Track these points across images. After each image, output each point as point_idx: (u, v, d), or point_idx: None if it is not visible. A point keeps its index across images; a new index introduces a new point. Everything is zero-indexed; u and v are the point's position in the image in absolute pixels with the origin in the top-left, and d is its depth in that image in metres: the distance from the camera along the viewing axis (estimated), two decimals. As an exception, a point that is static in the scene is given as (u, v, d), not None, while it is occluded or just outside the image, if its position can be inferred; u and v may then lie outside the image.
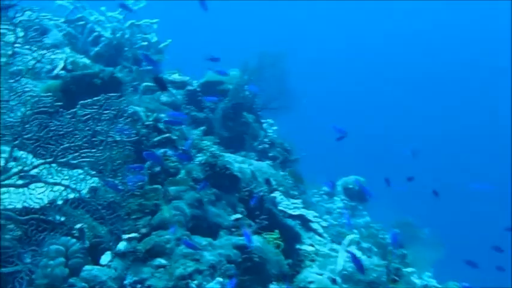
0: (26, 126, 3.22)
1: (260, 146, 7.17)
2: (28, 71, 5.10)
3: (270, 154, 7.13)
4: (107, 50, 7.00)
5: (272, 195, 5.22)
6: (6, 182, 3.22)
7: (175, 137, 4.75)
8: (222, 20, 29.95)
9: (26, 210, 3.27)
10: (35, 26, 5.69)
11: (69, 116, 3.31)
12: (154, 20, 7.79)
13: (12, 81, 4.97)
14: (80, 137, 3.39)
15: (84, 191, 3.47)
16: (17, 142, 3.19)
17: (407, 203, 10.06)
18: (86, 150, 3.41)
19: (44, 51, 5.42)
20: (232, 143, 6.99)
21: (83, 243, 3.82)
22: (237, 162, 5.31)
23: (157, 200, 4.30)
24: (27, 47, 5.31)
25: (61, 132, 3.34)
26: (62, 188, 3.40)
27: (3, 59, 4.93)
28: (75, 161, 3.39)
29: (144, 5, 7.64)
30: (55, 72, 5.12)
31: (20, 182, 3.26)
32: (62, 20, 7.03)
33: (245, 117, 7.27)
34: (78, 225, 3.81)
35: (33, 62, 5.19)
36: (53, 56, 5.31)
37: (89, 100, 3.39)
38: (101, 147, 3.44)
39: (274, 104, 7.88)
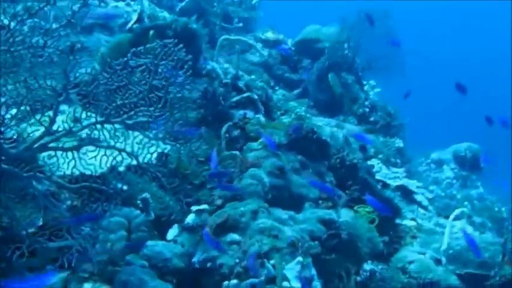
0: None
1: (360, 110, 6.48)
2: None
3: (371, 119, 6.42)
4: (194, 6, 6.57)
5: (369, 163, 4.57)
6: (53, 144, 2.85)
7: (256, 97, 4.23)
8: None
9: (77, 177, 2.89)
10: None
11: (119, 67, 2.87)
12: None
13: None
14: (135, 92, 2.94)
15: (145, 157, 3.03)
16: (61, 98, 2.79)
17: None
18: (143, 108, 2.97)
19: (117, 3, 5.12)
20: (329, 106, 6.38)
21: (147, 215, 3.44)
22: (329, 126, 4.70)
23: (234, 168, 3.83)
24: None
25: (112, 87, 2.91)
26: (116, 152, 2.98)
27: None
28: (130, 121, 2.96)
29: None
30: (129, 26, 4.75)
31: (69, 144, 2.88)
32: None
33: (344, 78, 6.60)
34: (142, 195, 3.44)
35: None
36: (127, 9, 4.95)
37: (141, 48, 2.92)
38: (159, 106, 2.98)
39: (378, 64, 7.13)
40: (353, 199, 3.90)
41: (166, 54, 2.92)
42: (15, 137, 2.93)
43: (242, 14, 7.28)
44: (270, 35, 7.06)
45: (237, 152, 3.92)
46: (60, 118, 2.86)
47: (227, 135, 4.01)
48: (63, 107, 3.02)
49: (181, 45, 2.92)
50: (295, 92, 6.70)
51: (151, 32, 4.12)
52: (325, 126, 4.54)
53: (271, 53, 6.91)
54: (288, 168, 3.82)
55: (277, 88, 6.46)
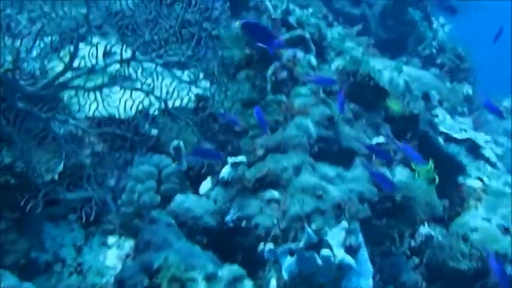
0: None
1: (426, 51, 5.90)
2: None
3: (438, 61, 5.83)
4: None
5: (432, 113, 4.07)
6: (75, 82, 2.54)
7: (307, 35, 3.76)
8: None
9: (100, 121, 2.59)
10: None
11: (147, -3, 2.48)
12: None
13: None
14: (166, 27, 2.57)
15: (176, 101, 2.68)
16: (83, 31, 2.45)
17: None
18: (174, 46, 2.60)
19: None
20: (391, 45, 5.84)
21: (179, 165, 3.13)
22: (388, 70, 4.19)
23: (279, 116, 3.45)
24: None
25: (139, 20, 2.54)
26: (143, 95, 2.65)
27: None
28: (160, 60, 2.61)
29: None
30: None
31: (91, 84, 2.56)
32: None
33: (410, 14, 5.99)
34: (175, 142, 3.12)
35: None
36: None
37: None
38: (192, 44, 2.60)
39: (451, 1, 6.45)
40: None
41: (200, -14, 2.50)
42: (36, 72, 2.64)
43: None
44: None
45: (283, 97, 3.53)
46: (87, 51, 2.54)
47: (273, 77, 3.60)
48: (96, 39, 2.68)
49: (217, -26, 2.50)
50: (355, 28, 6.15)
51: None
52: (384, 70, 4.03)
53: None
54: (339, 118, 3.39)
55: (335, 24, 5.93)
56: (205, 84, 2.71)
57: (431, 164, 3.41)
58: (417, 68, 5.74)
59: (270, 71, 3.59)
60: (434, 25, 6.30)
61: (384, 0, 5.97)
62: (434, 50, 5.90)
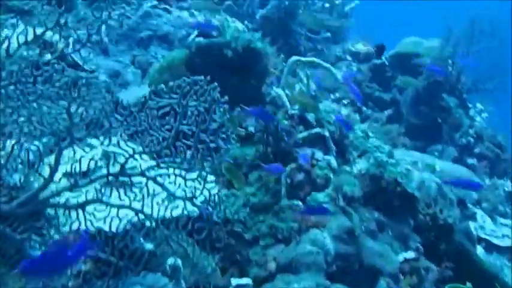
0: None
1: (463, 139, 5.51)
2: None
3: (476, 150, 5.42)
4: (276, 13, 5.86)
5: (467, 222, 3.63)
6: (55, 200, 2.26)
7: (327, 134, 3.43)
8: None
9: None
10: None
11: (135, 109, 2.21)
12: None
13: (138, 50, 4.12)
14: (158, 139, 2.29)
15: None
16: (65, 143, 2.17)
17: None
18: (168, 160, 2.31)
19: (180, 13, 4.48)
20: (424, 133, 5.48)
21: (177, 285, 2.76)
22: (418, 170, 3.80)
23: (293, 224, 3.10)
24: (161, 7, 4.40)
25: (129, 132, 2.27)
26: (132, 213, 2.33)
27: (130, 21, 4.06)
28: (151, 174, 2.31)
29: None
30: (190, 38, 4.11)
31: (73, 201, 2.27)
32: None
33: (445, 100, 5.64)
34: (170, 260, 2.77)
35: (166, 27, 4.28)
36: (190, 20, 4.31)
37: (161, 85, 2.26)
38: (188, 156, 2.30)
39: (487, 85, 6.09)
40: (444, 278, 3.01)
41: (198, 93, 2.22)
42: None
43: (332, 23, 6.49)
44: (360, 46, 6.23)
45: (300, 203, 3.18)
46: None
47: (289, 179, 3.26)
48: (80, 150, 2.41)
49: (215, 84, 2.20)
50: (386, 113, 5.84)
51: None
52: (413, 169, 3.65)
53: (360, 67, 6.08)
54: (361, 231, 3.01)
55: (364, 109, 5.64)
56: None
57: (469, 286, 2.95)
58: (452, 157, 5.35)
59: (285, 173, 3.26)
60: (471, 111, 5.93)
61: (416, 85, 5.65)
62: (471, 139, 5.51)
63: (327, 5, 6.63)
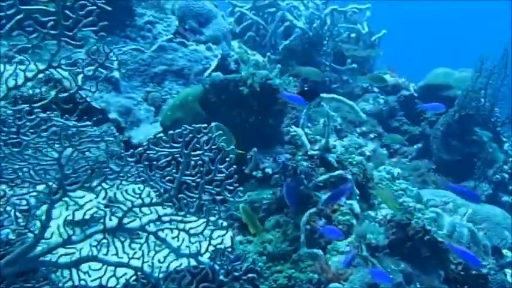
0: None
1: (497, 176, 5.19)
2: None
3: (511, 187, 5.11)
4: (300, 44, 5.69)
5: (503, 272, 3.33)
6: (47, 258, 2.08)
7: (349, 177, 3.20)
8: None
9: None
10: (193, 12, 4.60)
11: (129, 158, 2.02)
12: (365, 6, 6.20)
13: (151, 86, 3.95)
14: (159, 191, 2.11)
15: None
16: (56, 197, 2.00)
17: None
18: (170, 212, 2.12)
19: (197, 47, 4.31)
20: (455, 169, 5.18)
21: None
22: (449, 211, 3.52)
23: (314, 273, 2.86)
24: (177, 40, 4.24)
25: (126, 186, 2.09)
26: (131, 272, 2.14)
27: (144, 56, 3.89)
28: (152, 229, 2.12)
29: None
30: (206, 74, 3.95)
31: (66, 258, 2.09)
32: (247, 6, 5.91)
33: (477, 134, 5.35)
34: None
35: (182, 61, 4.11)
36: (207, 53, 4.14)
37: (161, 134, 2.07)
38: (192, 209, 2.10)
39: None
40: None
41: (202, 143, 2.02)
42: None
43: (358, 54, 6.29)
44: (388, 77, 5.97)
45: (320, 252, 2.95)
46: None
47: (308, 226, 3.04)
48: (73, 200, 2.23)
49: (220, 132, 2.00)
50: (415, 147, 5.57)
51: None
52: (443, 213, 3.37)
53: (387, 100, 5.84)
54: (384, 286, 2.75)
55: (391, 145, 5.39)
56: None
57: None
58: (486, 194, 5.05)
59: (304, 218, 3.04)
60: (506, 146, 5.61)
61: (447, 119, 5.38)
62: (506, 175, 5.19)
63: (353, 35, 6.45)
